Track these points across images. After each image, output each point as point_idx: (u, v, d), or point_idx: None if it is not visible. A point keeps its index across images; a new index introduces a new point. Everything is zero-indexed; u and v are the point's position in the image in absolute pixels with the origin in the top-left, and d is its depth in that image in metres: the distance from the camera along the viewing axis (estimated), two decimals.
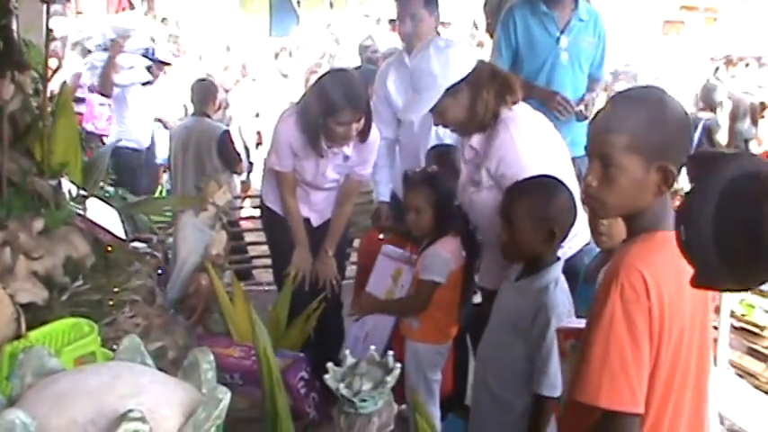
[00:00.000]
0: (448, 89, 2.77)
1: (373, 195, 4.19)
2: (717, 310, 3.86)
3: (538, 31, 3.94)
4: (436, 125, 3.00)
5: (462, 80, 2.77)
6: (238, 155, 6.02)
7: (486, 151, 2.82)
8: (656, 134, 1.61)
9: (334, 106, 3.32)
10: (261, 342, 2.15)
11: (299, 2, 20.89)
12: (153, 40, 6.92)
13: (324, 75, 3.66)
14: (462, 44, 3.00)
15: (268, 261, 5.18)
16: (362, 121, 3.40)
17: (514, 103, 2.85)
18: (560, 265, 2.53)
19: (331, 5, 20.68)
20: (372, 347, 1.67)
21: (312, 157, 3.51)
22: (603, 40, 4.09)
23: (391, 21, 13.43)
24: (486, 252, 3.05)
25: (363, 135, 3.49)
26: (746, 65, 10.67)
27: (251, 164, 8.28)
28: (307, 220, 3.70)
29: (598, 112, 1.74)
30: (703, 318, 1.71)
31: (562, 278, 2.51)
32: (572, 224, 2.54)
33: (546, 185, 2.56)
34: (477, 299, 3.33)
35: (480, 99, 2.78)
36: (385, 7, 19.06)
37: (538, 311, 2.42)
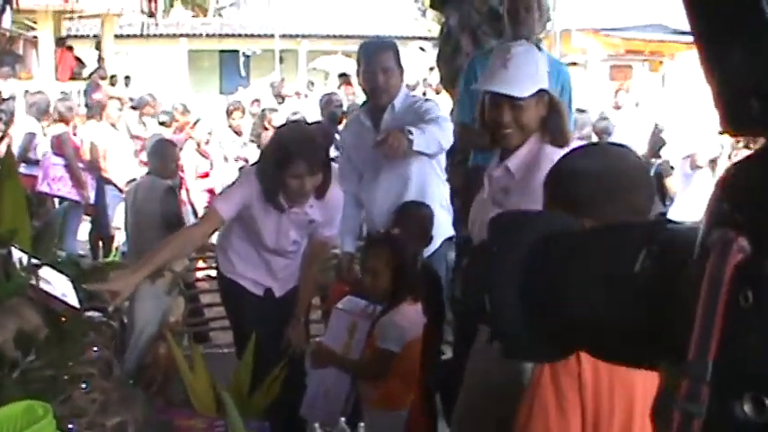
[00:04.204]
0: (538, 91, 2.60)
1: (337, 246, 4.05)
2: None
3: None
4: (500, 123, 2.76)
5: (545, 90, 2.64)
6: (180, 216, 5.66)
7: (523, 179, 2.62)
8: (563, 191, 1.62)
9: (287, 158, 3.24)
10: (231, 417, 2.06)
11: (246, 62, 21.04)
12: None
13: (280, 126, 3.58)
14: None
15: (226, 323, 5.06)
16: (319, 176, 3.30)
17: (561, 146, 2.65)
18: None
19: (281, 60, 20.85)
20: (342, 420, 1.60)
21: (273, 217, 3.41)
22: (569, 89, 3.95)
23: (342, 75, 13.50)
24: None
25: (320, 192, 3.38)
26: None
27: None
28: (269, 290, 3.59)
29: None
30: None
31: None
32: None
33: None
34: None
35: (553, 118, 2.64)
36: (335, 63, 19.29)
37: (512, 376, 2.35)
